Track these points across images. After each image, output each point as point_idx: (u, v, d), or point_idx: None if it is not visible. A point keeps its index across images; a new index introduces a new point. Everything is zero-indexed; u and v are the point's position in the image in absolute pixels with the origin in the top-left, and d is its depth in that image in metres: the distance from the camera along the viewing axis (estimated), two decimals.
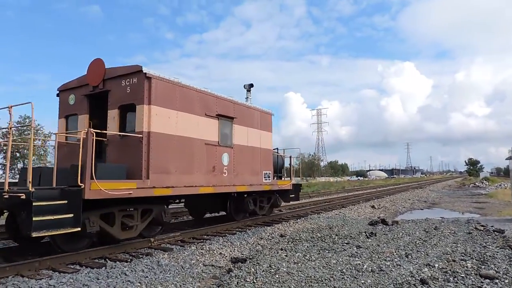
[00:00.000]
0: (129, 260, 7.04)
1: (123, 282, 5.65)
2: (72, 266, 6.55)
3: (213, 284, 5.72)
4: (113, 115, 8.55)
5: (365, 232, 9.83)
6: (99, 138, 7.64)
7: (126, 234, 7.90)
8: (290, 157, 14.43)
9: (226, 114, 10.57)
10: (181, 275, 6.13)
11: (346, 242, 8.65)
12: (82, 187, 6.54)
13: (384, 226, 11.40)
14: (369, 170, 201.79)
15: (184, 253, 7.64)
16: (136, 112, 8.17)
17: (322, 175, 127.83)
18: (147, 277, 5.93)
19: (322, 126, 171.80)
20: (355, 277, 5.80)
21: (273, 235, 9.90)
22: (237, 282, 5.56)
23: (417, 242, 8.54)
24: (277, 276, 5.84)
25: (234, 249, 8.18)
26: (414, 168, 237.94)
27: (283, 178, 14.42)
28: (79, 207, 6.43)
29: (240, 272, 6.08)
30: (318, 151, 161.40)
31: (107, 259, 7.17)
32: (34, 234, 5.82)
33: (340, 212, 15.90)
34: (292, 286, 5.42)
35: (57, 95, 9.94)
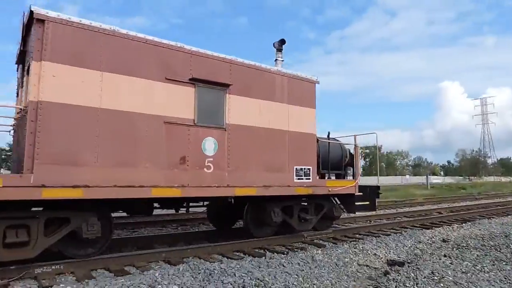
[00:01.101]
0: (285, 253, 7.24)
1: (281, 272, 5.66)
2: (237, 253, 7.22)
3: (369, 285, 5.49)
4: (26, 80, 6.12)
5: None
6: None
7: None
8: (356, 146, 9.71)
9: (213, 79, 7.01)
10: (336, 272, 5.98)
11: None
12: None
13: None
14: None
15: (337, 250, 7.37)
16: (30, 73, 5.52)
17: (490, 174, 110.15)
18: (303, 270, 5.87)
19: (488, 118, 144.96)
20: None
21: (433, 239, 8.81)
22: (396, 286, 5.25)
23: None
24: (441, 285, 5.33)
25: (390, 251, 7.60)
26: None
27: (346, 178, 9.88)
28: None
29: (398, 276, 5.71)
30: (484, 147, 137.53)
31: (266, 250, 7.58)
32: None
33: None
34: None
35: None
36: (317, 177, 8.68)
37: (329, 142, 9.35)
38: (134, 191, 5.99)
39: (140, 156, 6.10)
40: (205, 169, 6.80)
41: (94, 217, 5.94)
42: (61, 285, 5.04)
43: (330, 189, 8.70)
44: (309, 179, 8.35)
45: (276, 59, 9.06)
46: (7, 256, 5.31)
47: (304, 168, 8.28)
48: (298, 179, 8.16)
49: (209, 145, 6.90)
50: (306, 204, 8.90)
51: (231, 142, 7.19)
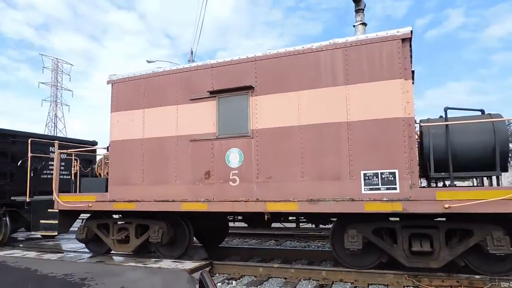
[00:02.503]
0: None
1: None
2: None
3: None
4: None
5: None
6: None
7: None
8: None
9: (233, 85, 6.52)
10: None
11: None
12: None
13: None
14: None
15: None
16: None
17: None
18: None
19: None
20: None
21: None
22: None
23: None
24: None
25: None
26: None
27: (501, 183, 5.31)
28: None
29: None
30: None
31: None
32: None
33: None
34: None
35: None
36: (416, 185, 5.33)
37: (447, 125, 5.37)
38: (168, 205, 6.84)
39: (171, 174, 6.89)
40: (230, 182, 6.41)
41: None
42: None
43: (446, 205, 5.08)
44: (395, 189, 5.37)
45: (354, 25, 6.55)
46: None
47: (383, 173, 5.46)
48: (370, 189, 5.51)
49: (234, 157, 6.43)
50: (426, 227, 5.63)
51: (259, 150, 6.27)
